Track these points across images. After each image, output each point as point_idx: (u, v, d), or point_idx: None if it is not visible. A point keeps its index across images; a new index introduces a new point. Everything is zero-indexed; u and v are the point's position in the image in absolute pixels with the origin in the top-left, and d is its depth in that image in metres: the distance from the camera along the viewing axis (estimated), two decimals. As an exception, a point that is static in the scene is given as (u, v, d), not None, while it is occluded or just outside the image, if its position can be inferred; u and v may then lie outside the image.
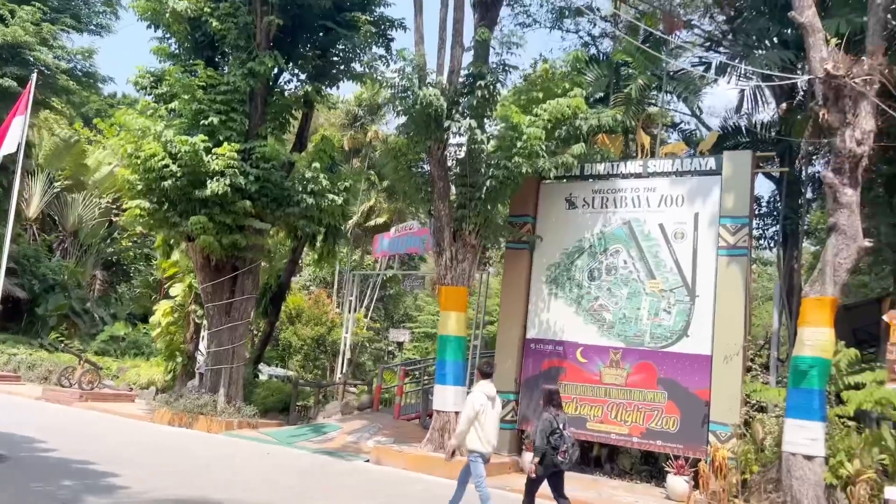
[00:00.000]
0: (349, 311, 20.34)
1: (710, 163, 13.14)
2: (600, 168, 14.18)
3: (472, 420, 7.98)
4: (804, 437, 9.91)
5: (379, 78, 13.20)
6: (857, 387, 11.22)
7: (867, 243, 10.56)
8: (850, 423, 11.13)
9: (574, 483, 12.33)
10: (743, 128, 16.22)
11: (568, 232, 14.38)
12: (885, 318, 11.26)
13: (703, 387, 12.35)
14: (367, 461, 12.82)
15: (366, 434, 15.04)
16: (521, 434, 13.73)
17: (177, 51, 16.76)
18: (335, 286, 28.26)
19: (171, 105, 15.18)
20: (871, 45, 11.00)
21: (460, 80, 13.24)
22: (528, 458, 12.94)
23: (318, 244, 17.63)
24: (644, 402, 12.86)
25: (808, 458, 9.80)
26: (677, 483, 11.47)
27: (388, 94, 12.96)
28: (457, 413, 12.76)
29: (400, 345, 29.62)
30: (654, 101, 16.13)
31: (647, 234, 13.56)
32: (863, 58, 10.71)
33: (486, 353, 17.56)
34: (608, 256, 13.91)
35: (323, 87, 16.87)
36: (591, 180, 14.33)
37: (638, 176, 13.85)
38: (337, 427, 15.63)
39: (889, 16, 13.13)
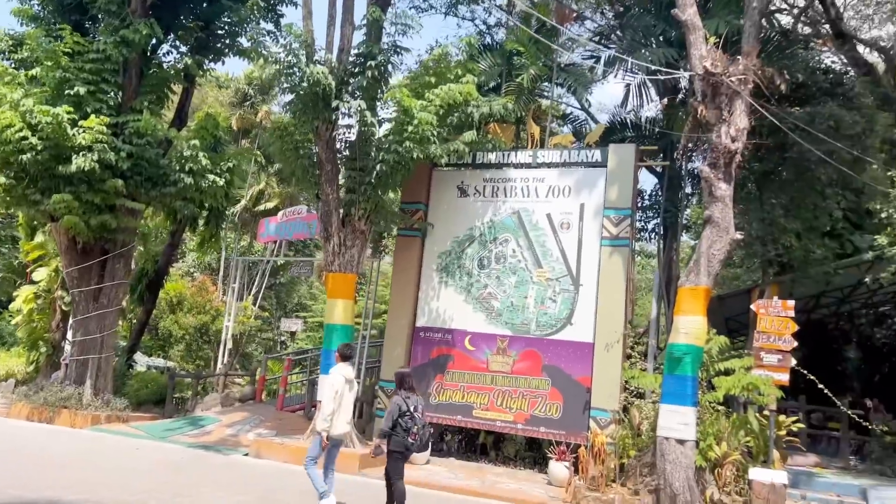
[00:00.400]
0: (233, 298, 19.41)
1: (597, 155, 13.41)
2: (492, 157, 14.16)
3: (335, 400, 8.03)
4: (677, 422, 10.24)
5: (264, 53, 12.51)
6: (727, 373, 11.76)
7: (739, 236, 11.05)
8: (720, 407, 11.67)
9: (459, 471, 12.33)
10: (629, 123, 16.72)
11: (459, 220, 14.29)
12: (753, 307, 11.87)
13: (586, 374, 12.61)
14: (247, 455, 12.25)
15: (246, 427, 14.39)
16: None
17: (40, 13, 15.31)
18: (221, 273, 27.02)
19: (33, 72, 13.82)
20: (746, 46, 11.50)
21: (350, 59, 12.79)
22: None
23: (199, 228, 16.66)
24: (529, 389, 12.98)
25: (681, 441, 10.14)
26: (558, 469, 11.65)
27: (273, 70, 12.30)
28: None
29: (292, 335, 28.77)
30: (545, 93, 16.30)
31: (535, 223, 13.67)
32: (738, 58, 11.18)
33: (377, 343, 17.28)
34: (498, 245, 13.93)
35: (206, 61, 15.91)
36: (482, 169, 14.29)
37: (528, 166, 13.94)
38: (215, 420, 14.87)
39: (763, 20, 13.84)
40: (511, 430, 13.10)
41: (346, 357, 8.58)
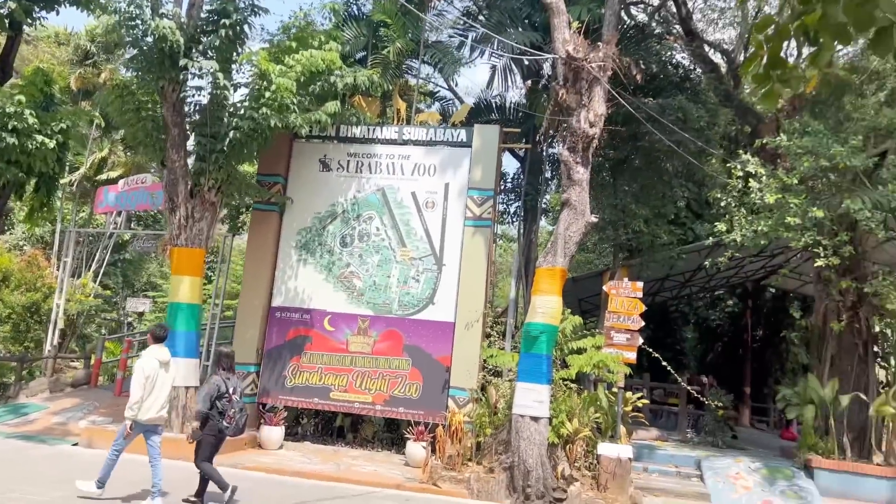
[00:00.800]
0: (65, 274, 17.62)
1: (462, 135, 13.32)
2: (356, 131, 13.69)
3: (145, 386, 7.56)
4: (532, 400, 10.41)
5: (102, 1, 11.24)
6: (580, 351, 12.16)
7: (594, 219, 11.36)
8: (573, 385, 12.04)
9: (314, 455, 11.90)
10: (494, 105, 16.81)
11: (321, 195, 13.72)
12: (604, 288, 12.31)
13: (446, 353, 12.56)
14: (76, 444, 11.13)
15: (78, 414, 13.10)
16: (262, 408, 12.90)
17: None
18: (56, 247, 24.54)
19: None
20: (606, 34, 11.80)
21: (203, 16, 11.79)
22: (268, 432, 12.27)
23: (26, 195, 14.91)
24: (389, 369, 12.75)
25: (535, 419, 10.31)
26: (416, 449, 11.52)
27: (112, 21, 11.08)
28: (187, 388, 11.58)
29: (140, 315, 26.71)
30: (412, 71, 16.00)
31: (400, 201, 13.40)
32: (599, 44, 11.44)
33: (228, 324, 16.35)
34: (361, 223, 13.52)
35: (35, 8, 14.12)
36: (346, 143, 13.79)
37: (393, 142, 13.62)
38: (41, 407, 13.43)
39: (623, 10, 14.31)
40: (370, 411, 12.83)
41: (159, 339, 8.06)
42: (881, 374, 15.54)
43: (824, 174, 12.49)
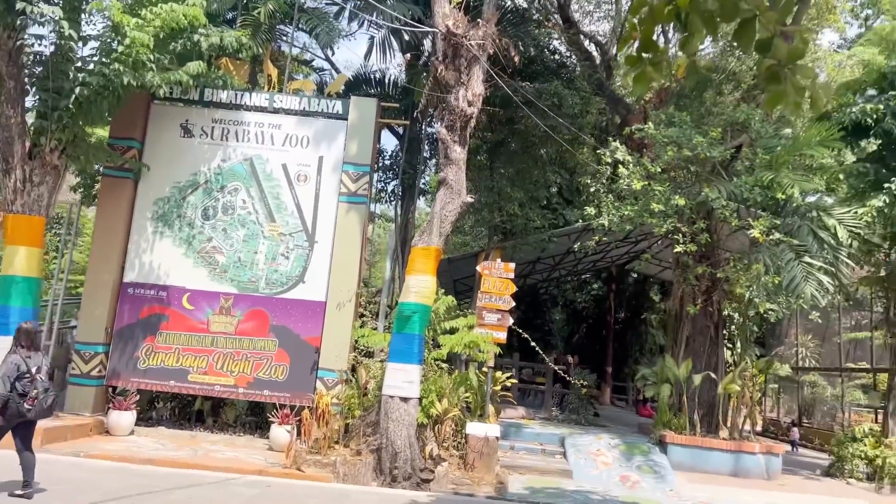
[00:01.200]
0: None
1: (338, 106, 12.79)
2: (223, 96, 12.79)
3: None
4: (402, 380, 10.21)
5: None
6: (452, 332, 12.10)
7: (470, 199, 11.28)
8: (444, 365, 11.97)
9: (168, 441, 11.12)
10: (373, 79, 16.33)
11: (182, 163, 12.74)
12: (478, 268, 12.30)
13: (316, 334, 12.10)
14: None
15: None
16: (112, 391, 11.87)
17: None
18: None
19: None
20: (487, 13, 11.67)
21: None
22: (116, 417, 11.31)
23: None
24: (254, 350, 12.11)
25: (405, 399, 10.12)
26: (280, 433, 11.03)
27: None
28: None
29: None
30: (286, 37, 15.20)
31: (269, 173, 12.70)
32: (480, 21, 11.29)
33: (76, 301, 14.95)
34: (226, 194, 12.70)
35: None
36: (211, 108, 12.86)
37: (263, 110, 12.86)
38: None
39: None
40: (232, 394, 12.13)
41: None
42: (728, 356, 16.75)
43: (686, 164, 13.11)
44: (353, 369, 11.82)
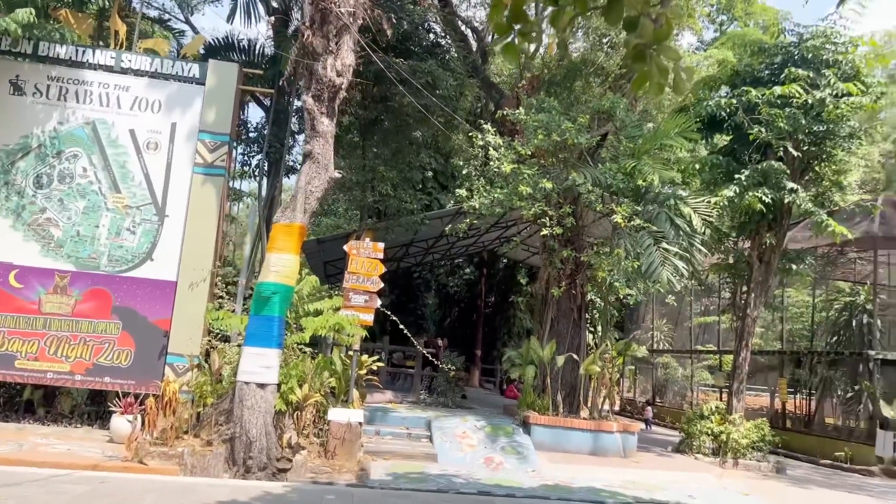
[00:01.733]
0: None
1: (194, 69, 11.81)
2: (61, 51, 11.43)
3: None
4: (260, 365, 9.57)
5: None
6: (317, 314, 11.54)
7: (338, 174, 10.76)
8: (307, 349, 11.42)
9: (-13, 437, 9.85)
10: (237, 45, 15.27)
11: (10, 124, 11.29)
12: (345, 248, 11.82)
13: (165, 316, 11.16)
14: None
15: None
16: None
17: None
18: None
19: None
20: (362, -21, 11.14)
21: None
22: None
23: None
24: (94, 334, 10.99)
25: (262, 386, 9.50)
26: (121, 424, 10.04)
27: None
28: None
29: None
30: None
31: (114, 139, 11.52)
32: (351, -12, 10.75)
33: None
34: (63, 161, 11.40)
35: None
36: (47, 64, 11.47)
37: (109, 70, 11.64)
38: None
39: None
40: (67, 381, 10.95)
41: None
42: (590, 339, 17.32)
43: (555, 149, 13.27)
44: (207, 354, 11.00)
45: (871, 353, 16.17)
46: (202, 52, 14.13)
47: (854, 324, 18.39)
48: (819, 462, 15.77)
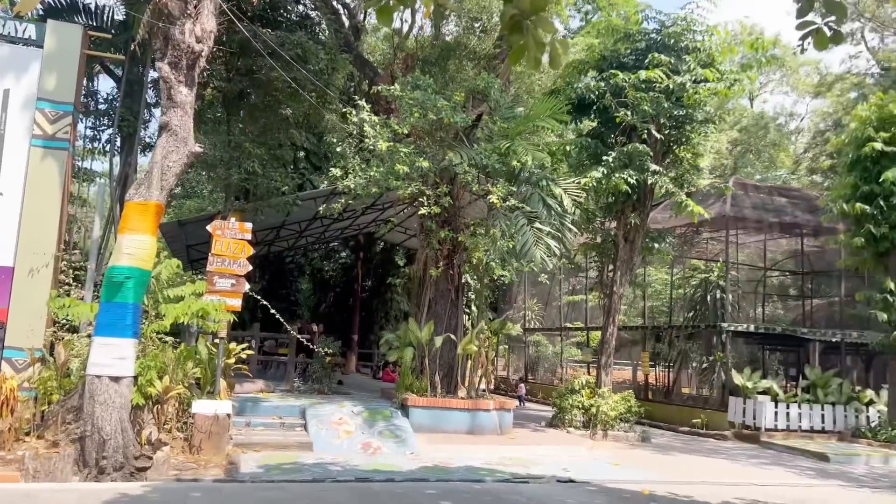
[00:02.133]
0: None
1: (30, 30, 10.52)
2: None
3: None
4: (113, 357, 8.70)
5: None
6: (179, 300, 10.70)
7: (198, 148, 9.97)
8: (168, 338, 10.59)
9: None
10: (82, 6, 13.76)
11: None
12: (208, 228, 11.04)
13: (0, 305, 9.92)
14: None
15: None
16: None
17: None
18: None
19: None
20: (220, -61, 10.34)
21: None
22: None
23: None
24: (-90, 329, 9.59)
25: (116, 379, 8.65)
26: (-54, 430, 8.83)
27: None
28: None
29: None
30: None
31: (-69, 105, 10.06)
32: (213, -53, 9.95)
33: None
34: None
35: None
36: None
37: (-75, 26, 10.14)
38: None
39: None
40: None
41: None
42: (466, 320, 17.41)
43: (432, 129, 13.09)
44: (52, 347, 9.92)
45: (724, 325, 17.38)
46: (40, 11, 12.67)
47: (709, 299, 19.74)
48: (678, 429, 16.80)
